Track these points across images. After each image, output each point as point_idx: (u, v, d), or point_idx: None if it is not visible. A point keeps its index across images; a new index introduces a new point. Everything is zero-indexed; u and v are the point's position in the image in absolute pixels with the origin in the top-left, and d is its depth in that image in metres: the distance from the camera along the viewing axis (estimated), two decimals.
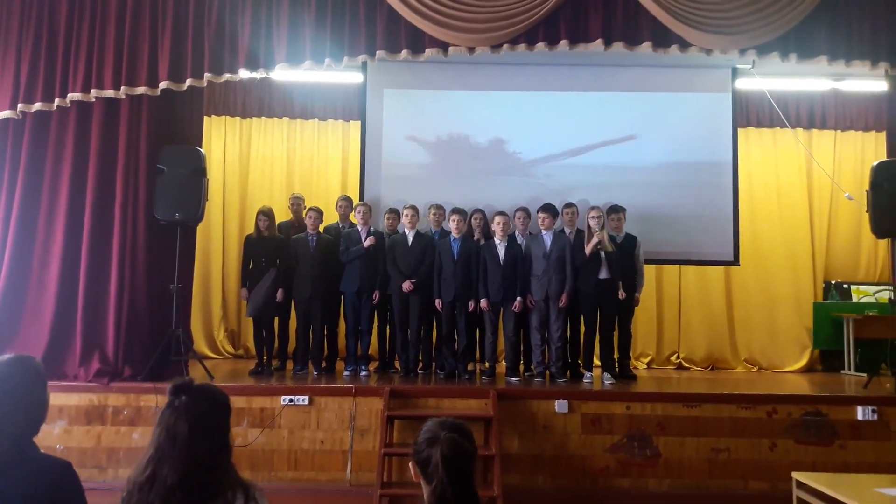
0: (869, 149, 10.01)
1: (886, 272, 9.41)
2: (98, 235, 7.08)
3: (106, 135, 7.20)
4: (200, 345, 9.46)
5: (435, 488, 2.31)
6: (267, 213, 8.11)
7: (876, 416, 6.55)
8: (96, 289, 7.03)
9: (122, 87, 7.09)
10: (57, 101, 7.12)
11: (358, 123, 9.17)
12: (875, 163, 7.65)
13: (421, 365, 7.85)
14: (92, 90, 7.10)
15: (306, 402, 6.60)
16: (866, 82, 9.04)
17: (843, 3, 7.22)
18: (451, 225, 7.70)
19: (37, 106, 7.13)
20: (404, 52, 7.18)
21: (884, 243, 8.85)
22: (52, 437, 6.47)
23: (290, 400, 6.59)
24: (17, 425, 2.41)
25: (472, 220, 8.05)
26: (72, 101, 7.15)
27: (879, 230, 7.50)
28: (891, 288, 8.01)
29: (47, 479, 2.38)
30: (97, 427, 6.62)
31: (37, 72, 7.17)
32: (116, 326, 6.99)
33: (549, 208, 7.75)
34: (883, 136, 8.23)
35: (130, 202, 7.18)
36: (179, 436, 2.16)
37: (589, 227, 7.61)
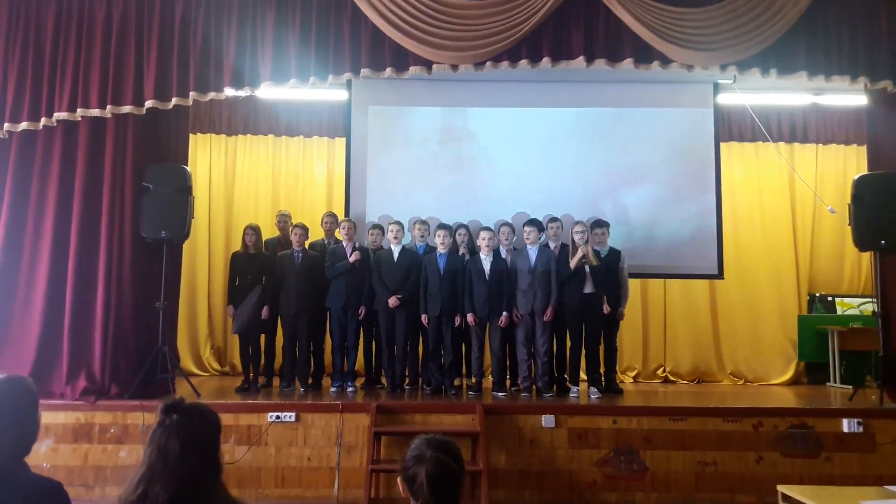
0: (850, 162, 10.09)
1: (870, 284, 9.44)
2: (84, 254, 7.07)
3: (92, 154, 7.20)
4: (187, 362, 9.44)
5: None
6: (254, 229, 8.13)
7: (861, 429, 6.59)
8: (83, 307, 7.02)
9: (108, 106, 7.08)
10: (43, 120, 7.11)
11: (343, 140, 9.26)
12: (856, 176, 7.72)
13: (407, 380, 7.87)
14: (78, 109, 7.09)
15: (293, 419, 6.59)
16: (846, 96, 9.15)
17: (821, 20, 7.29)
18: (437, 240, 7.72)
19: (23, 125, 7.11)
20: (388, 70, 7.20)
21: (867, 256, 8.90)
22: (39, 456, 6.43)
23: (277, 417, 6.59)
24: (7, 445, 2.41)
25: (457, 236, 8.07)
26: (58, 121, 7.14)
27: (862, 243, 7.55)
28: (874, 300, 8.06)
29: (37, 500, 2.38)
30: (84, 445, 6.59)
31: (23, 91, 7.16)
32: (103, 344, 6.97)
33: (534, 223, 7.79)
34: (864, 149, 8.29)
35: (116, 221, 7.18)
36: (171, 454, 2.16)
37: (573, 241, 7.64)
